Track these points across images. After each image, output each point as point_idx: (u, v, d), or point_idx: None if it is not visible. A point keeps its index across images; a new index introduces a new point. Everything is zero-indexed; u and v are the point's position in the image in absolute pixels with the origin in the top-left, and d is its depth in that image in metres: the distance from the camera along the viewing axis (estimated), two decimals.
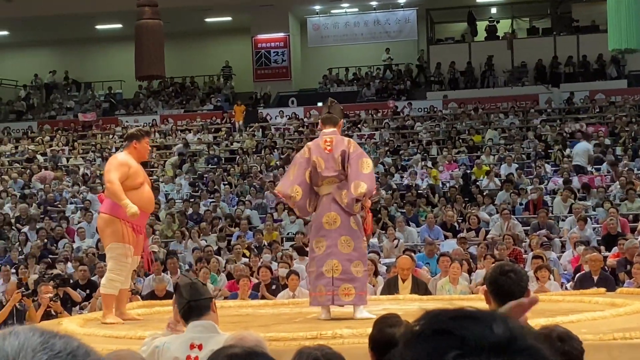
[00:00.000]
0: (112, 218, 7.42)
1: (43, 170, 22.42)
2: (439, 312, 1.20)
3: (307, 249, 7.43)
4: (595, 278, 10.20)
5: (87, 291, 11.63)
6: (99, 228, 7.82)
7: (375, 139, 22.95)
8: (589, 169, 18.58)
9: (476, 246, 13.47)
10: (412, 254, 11.44)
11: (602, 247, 12.89)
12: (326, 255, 7.17)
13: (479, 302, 8.80)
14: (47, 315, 9.64)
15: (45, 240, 16.34)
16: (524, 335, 1.15)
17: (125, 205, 7.25)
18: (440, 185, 18.47)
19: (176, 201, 19.03)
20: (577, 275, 10.84)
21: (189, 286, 3.95)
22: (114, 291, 7.42)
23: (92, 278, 12.13)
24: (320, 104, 26.24)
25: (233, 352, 2.29)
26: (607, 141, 20.38)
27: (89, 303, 10.91)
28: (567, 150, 19.85)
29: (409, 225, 15.71)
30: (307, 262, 7.43)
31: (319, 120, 7.70)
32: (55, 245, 16.34)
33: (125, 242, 7.37)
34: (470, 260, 12.11)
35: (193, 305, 3.89)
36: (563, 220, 15.48)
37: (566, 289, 10.60)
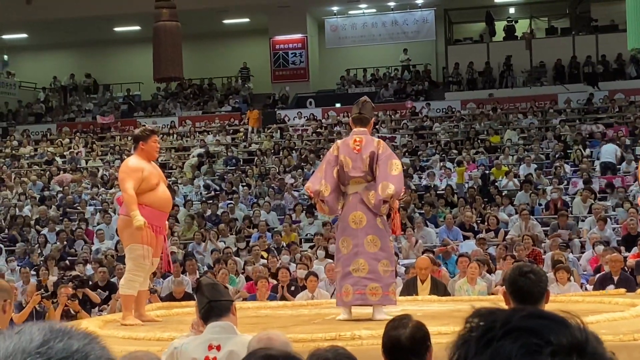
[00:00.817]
0: (131, 219, 7.43)
1: (62, 172, 22.52)
2: (508, 312, 1.19)
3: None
4: (616, 279, 10.14)
5: (107, 292, 11.67)
6: (119, 229, 7.87)
7: (395, 142, 22.91)
8: (619, 167, 18.50)
9: (495, 247, 13.43)
10: (432, 255, 11.42)
11: (622, 248, 12.83)
12: (353, 254, 7.16)
13: (497, 303, 8.71)
14: (66, 315, 9.68)
15: (65, 242, 16.41)
16: (593, 339, 1.17)
17: (134, 217, 7.27)
18: (464, 185, 18.39)
19: (194, 203, 19.06)
20: (597, 275, 10.79)
21: (210, 286, 3.94)
22: (133, 292, 7.43)
23: (112, 280, 12.17)
24: (338, 105, 26.24)
25: (270, 354, 2.25)
26: (627, 141, 20.27)
27: (109, 305, 10.94)
28: (587, 151, 19.76)
29: (428, 226, 15.68)
30: (333, 263, 7.41)
31: (350, 120, 7.64)
32: (74, 247, 16.40)
33: (144, 243, 7.38)
34: (490, 261, 12.06)
35: (213, 306, 3.89)
36: (583, 220, 15.41)
37: (586, 289, 10.56)
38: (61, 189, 20.89)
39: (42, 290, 9.86)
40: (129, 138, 25.65)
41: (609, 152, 18.82)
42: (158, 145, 7.84)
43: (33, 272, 13.54)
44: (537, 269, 3.95)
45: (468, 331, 1.19)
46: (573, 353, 1.12)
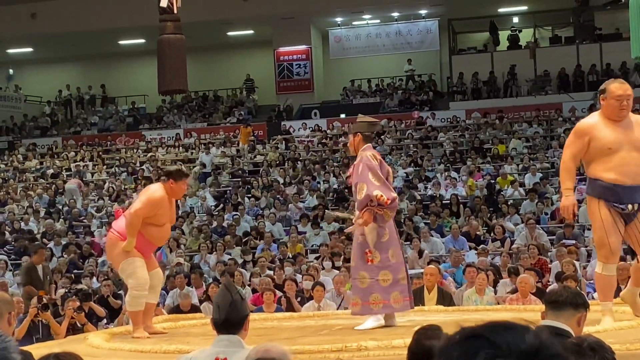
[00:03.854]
0: (121, 240, 7.41)
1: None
2: (477, 324, 1.27)
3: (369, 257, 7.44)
4: (623, 287, 10.11)
5: (119, 302, 11.64)
6: (108, 246, 7.73)
7: (400, 150, 22.92)
8: None
9: (500, 256, 13.41)
10: (438, 265, 11.41)
11: (628, 257, 12.79)
12: (400, 262, 7.49)
13: (504, 313, 8.72)
14: (73, 328, 9.68)
15: (73, 254, 16.43)
16: (553, 345, 1.21)
17: (129, 242, 7.29)
18: (473, 194, 18.34)
19: (199, 215, 19.08)
20: None
21: (229, 304, 3.91)
22: (140, 307, 7.41)
23: (119, 292, 12.16)
24: (343, 116, 26.26)
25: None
26: None
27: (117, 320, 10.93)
28: None
29: (433, 236, 15.67)
30: (369, 271, 7.41)
31: (361, 135, 7.67)
32: (81, 260, 16.40)
33: (134, 255, 7.36)
34: (494, 271, 12.04)
35: (227, 324, 3.90)
36: (589, 229, 15.38)
37: (592, 298, 10.53)
38: (67, 201, 20.92)
39: (41, 304, 9.82)
40: (135, 151, 25.73)
41: None
42: (185, 189, 7.87)
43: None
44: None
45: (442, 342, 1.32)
46: (512, 357, 1.19)
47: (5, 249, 17.40)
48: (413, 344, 3.36)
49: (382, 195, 7.22)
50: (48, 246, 17.27)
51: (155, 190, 7.57)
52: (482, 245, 14.51)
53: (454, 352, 1.23)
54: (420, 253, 14.08)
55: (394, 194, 7.41)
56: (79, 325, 9.79)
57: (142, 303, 7.39)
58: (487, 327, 1.24)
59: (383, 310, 7.40)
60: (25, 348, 4.12)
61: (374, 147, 7.95)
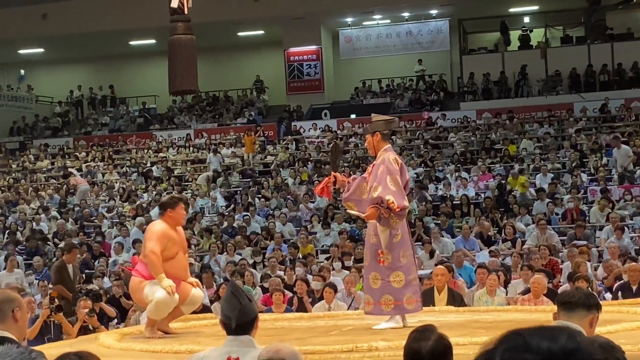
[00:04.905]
0: (145, 279, 7.41)
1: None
2: (518, 328, 1.31)
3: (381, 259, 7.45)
4: (634, 288, 10.10)
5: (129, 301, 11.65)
6: (132, 292, 7.72)
7: (411, 151, 22.90)
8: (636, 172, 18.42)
9: (510, 257, 13.38)
10: (449, 265, 11.39)
11: None
12: (411, 263, 7.53)
13: (515, 314, 8.70)
14: (84, 330, 9.69)
15: (84, 254, 16.46)
16: (588, 348, 1.22)
17: (161, 280, 7.24)
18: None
19: (209, 215, 19.10)
20: (616, 285, 10.74)
21: (238, 311, 3.92)
22: (159, 318, 7.38)
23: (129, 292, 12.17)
24: (353, 116, 26.26)
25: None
26: None
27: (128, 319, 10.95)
28: (604, 159, 19.68)
29: (444, 237, 15.64)
30: (381, 272, 7.42)
31: (380, 134, 7.67)
32: (93, 260, 16.44)
33: (172, 294, 7.31)
34: (504, 272, 12.01)
35: (238, 329, 3.91)
36: (600, 229, 15.35)
37: (604, 298, 10.50)
38: (79, 202, 20.97)
39: (53, 305, 9.83)
40: (145, 151, 25.77)
41: (622, 155, 18.70)
42: (185, 213, 7.76)
43: (51, 285, 13.55)
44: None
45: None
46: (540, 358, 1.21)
47: (17, 248, 17.45)
48: (405, 346, 3.33)
49: (393, 202, 7.23)
50: (59, 246, 17.33)
51: (155, 225, 7.61)
52: (493, 246, 14.48)
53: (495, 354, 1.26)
54: (432, 254, 14.07)
55: (406, 203, 7.41)
56: (91, 328, 9.81)
57: (164, 315, 7.38)
58: (529, 329, 1.25)
59: (394, 311, 7.40)
60: (36, 348, 4.13)
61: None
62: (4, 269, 15.64)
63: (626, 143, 19.79)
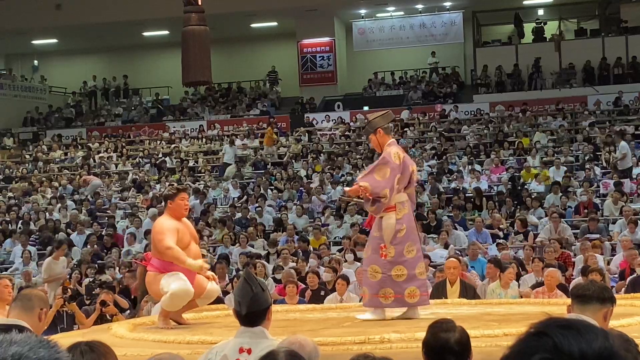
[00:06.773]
0: (160, 273, 7.44)
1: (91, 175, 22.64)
2: (557, 319, 1.24)
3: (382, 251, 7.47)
4: None
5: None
6: (148, 284, 7.74)
7: (423, 143, 22.87)
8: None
9: (523, 250, 13.35)
10: (460, 257, 11.38)
11: None
12: (418, 258, 7.51)
13: (527, 307, 8.68)
14: (100, 319, 9.73)
15: (95, 245, 16.52)
16: (621, 355, 1.17)
17: (190, 265, 7.31)
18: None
19: (222, 206, 19.12)
20: (629, 278, 10.70)
21: (249, 298, 3.92)
22: (173, 310, 7.42)
23: None
24: (366, 108, 26.24)
25: (294, 353, 2.24)
26: None
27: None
28: (617, 153, 19.60)
29: (457, 229, 15.62)
30: (381, 266, 7.43)
31: (382, 130, 7.68)
32: (105, 251, 16.49)
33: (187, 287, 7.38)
34: (517, 264, 11.97)
35: (250, 318, 3.91)
36: (613, 223, 15.29)
37: (617, 292, 10.47)
38: (87, 192, 21.03)
39: (66, 295, 9.88)
40: (158, 142, 25.81)
41: (620, 150, 18.63)
42: (187, 203, 7.74)
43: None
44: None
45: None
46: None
47: (30, 239, 17.52)
48: (429, 337, 3.39)
49: (366, 187, 7.33)
50: (71, 236, 17.39)
51: (159, 222, 7.64)
52: (502, 239, 14.43)
53: (517, 346, 1.19)
54: (446, 246, 14.05)
55: (385, 193, 7.36)
56: (108, 317, 9.85)
57: (178, 307, 7.41)
58: (560, 327, 1.19)
59: (394, 304, 7.42)
60: (49, 337, 4.17)
61: (398, 141, 8.02)
62: (21, 258, 15.84)
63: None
